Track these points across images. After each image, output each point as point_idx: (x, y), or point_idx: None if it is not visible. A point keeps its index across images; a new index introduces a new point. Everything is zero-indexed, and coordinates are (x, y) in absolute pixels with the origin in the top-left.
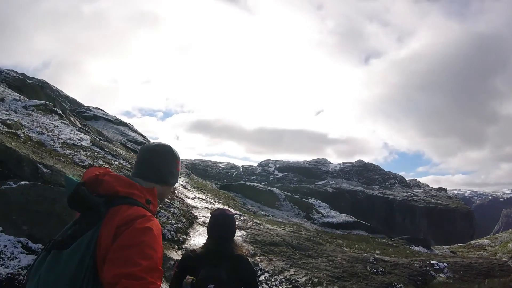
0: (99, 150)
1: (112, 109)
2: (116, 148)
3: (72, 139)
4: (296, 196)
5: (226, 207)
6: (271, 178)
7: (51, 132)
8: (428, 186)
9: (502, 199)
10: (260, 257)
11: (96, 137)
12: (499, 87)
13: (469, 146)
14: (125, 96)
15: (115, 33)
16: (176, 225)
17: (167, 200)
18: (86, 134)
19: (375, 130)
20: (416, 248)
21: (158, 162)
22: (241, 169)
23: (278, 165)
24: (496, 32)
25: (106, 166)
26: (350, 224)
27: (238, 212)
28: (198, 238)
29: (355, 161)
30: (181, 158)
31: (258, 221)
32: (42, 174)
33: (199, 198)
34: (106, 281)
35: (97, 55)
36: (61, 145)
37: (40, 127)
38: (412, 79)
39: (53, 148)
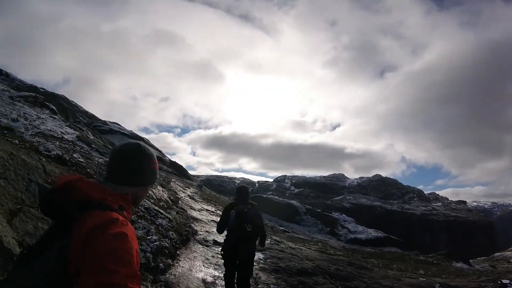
0: (84, 146)
1: (130, 125)
2: None
3: (54, 131)
4: (318, 210)
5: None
6: (287, 194)
7: (30, 122)
8: (448, 199)
9: None
10: None
11: (95, 139)
12: None
13: (487, 156)
14: (144, 112)
15: (134, 51)
16: (157, 243)
17: (155, 208)
18: (77, 131)
19: (392, 144)
20: (458, 265)
21: (126, 163)
22: (257, 184)
23: (294, 181)
24: (510, 38)
25: (81, 160)
26: (380, 240)
27: None
28: (190, 264)
29: (373, 176)
30: (197, 173)
31: (277, 238)
32: None
33: (207, 210)
34: None
35: (116, 72)
36: (34, 134)
37: (19, 115)
38: (427, 91)
39: (22, 135)
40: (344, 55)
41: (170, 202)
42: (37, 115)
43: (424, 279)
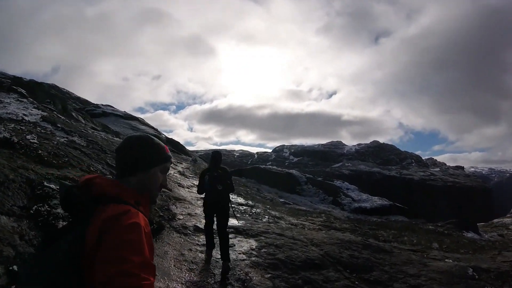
0: (48, 126)
1: (125, 107)
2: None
3: (14, 114)
4: (319, 179)
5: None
6: (286, 163)
7: None
8: (445, 164)
9: None
10: None
11: (57, 116)
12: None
13: (484, 122)
14: (137, 92)
15: (121, 33)
16: None
17: None
18: (45, 111)
19: (389, 110)
20: (469, 235)
21: (126, 155)
22: (256, 156)
23: (292, 150)
24: (507, 4)
25: (35, 141)
26: (386, 208)
27: (250, 203)
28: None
29: (370, 142)
30: (196, 149)
31: (276, 214)
32: None
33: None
34: (99, 280)
35: (105, 55)
36: None
37: None
38: (423, 56)
39: None
40: (338, 21)
41: None
42: None
43: (451, 261)
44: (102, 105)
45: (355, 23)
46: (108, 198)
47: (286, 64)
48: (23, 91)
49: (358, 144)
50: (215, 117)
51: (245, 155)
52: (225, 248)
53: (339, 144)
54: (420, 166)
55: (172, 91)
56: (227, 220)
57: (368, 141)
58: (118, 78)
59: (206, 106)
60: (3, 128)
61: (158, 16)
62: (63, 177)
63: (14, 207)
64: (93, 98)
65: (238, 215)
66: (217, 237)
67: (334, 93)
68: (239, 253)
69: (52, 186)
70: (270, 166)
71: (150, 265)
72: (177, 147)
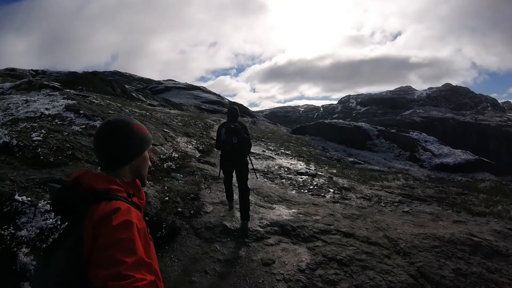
0: (68, 115)
1: (187, 78)
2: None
3: (35, 111)
4: (393, 131)
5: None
6: (353, 114)
7: (7, 111)
8: None
9: None
10: None
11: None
12: None
13: None
14: (196, 63)
15: (169, 8)
16: None
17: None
18: (74, 100)
19: (460, 49)
20: None
21: (107, 146)
22: (321, 109)
23: (359, 100)
24: None
25: (38, 138)
26: (471, 164)
27: (311, 169)
28: None
29: (442, 85)
30: (260, 109)
31: (345, 182)
32: None
33: (252, 153)
34: (94, 285)
35: (159, 33)
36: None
37: None
38: None
39: None
40: None
41: (191, 157)
42: (26, 99)
43: None
44: (164, 80)
45: None
46: (98, 196)
47: (343, 9)
48: (56, 84)
49: (429, 88)
50: (276, 74)
51: (310, 110)
52: (245, 208)
53: (408, 90)
54: (496, 110)
55: (230, 55)
56: (246, 175)
57: (439, 84)
58: (175, 52)
59: (266, 65)
60: (6, 132)
61: None
62: (50, 180)
63: None
64: (155, 76)
65: (294, 191)
66: (237, 192)
67: (399, 34)
68: (278, 280)
69: (22, 199)
70: (336, 120)
71: (145, 263)
72: (242, 110)
